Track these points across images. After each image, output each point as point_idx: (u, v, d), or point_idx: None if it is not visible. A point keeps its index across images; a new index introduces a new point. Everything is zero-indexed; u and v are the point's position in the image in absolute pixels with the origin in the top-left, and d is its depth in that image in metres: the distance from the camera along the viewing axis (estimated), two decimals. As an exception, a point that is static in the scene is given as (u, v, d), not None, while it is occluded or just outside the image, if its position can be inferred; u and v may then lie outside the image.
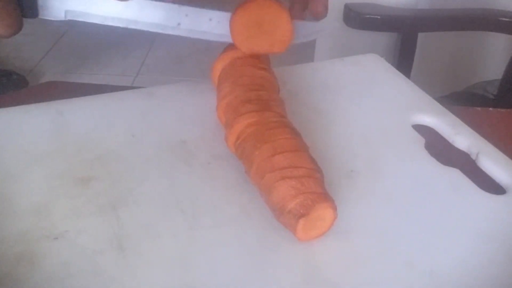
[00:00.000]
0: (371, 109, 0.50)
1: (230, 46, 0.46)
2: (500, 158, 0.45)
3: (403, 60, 0.96)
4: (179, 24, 0.45)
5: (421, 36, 0.95)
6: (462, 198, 0.40)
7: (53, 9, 0.43)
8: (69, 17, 0.44)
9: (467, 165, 0.44)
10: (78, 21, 0.43)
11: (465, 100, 1.00)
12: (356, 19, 0.90)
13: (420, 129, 0.48)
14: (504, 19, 0.91)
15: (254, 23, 0.43)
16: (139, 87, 0.54)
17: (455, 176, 0.43)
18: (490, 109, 0.57)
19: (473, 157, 0.45)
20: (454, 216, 0.39)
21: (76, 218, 0.37)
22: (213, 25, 0.46)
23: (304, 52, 0.80)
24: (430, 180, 0.42)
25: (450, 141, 0.47)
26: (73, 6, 0.43)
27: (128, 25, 0.45)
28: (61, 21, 0.44)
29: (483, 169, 0.44)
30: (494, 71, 1.04)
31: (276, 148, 0.37)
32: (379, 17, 0.90)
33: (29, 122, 0.46)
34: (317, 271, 0.34)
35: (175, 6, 0.45)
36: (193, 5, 0.46)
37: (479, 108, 0.56)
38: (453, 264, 0.35)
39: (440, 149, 0.46)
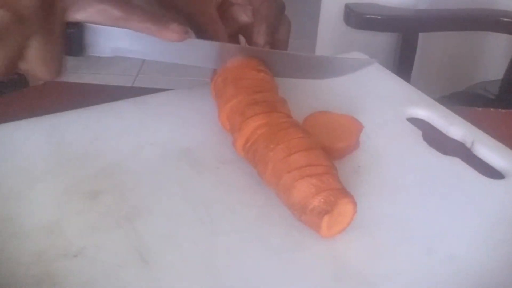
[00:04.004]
0: (365, 105, 0.51)
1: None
2: (495, 145, 0.46)
3: (404, 60, 0.96)
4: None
5: (421, 36, 0.95)
6: (466, 184, 0.42)
7: (99, 46, 0.43)
8: (115, 54, 0.45)
9: (465, 153, 0.46)
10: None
11: (465, 100, 1.00)
12: (356, 19, 0.90)
13: (415, 122, 0.49)
14: (504, 19, 0.91)
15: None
16: (140, 87, 0.54)
17: (456, 164, 0.44)
18: (491, 109, 0.57)
19: (468, 145, 0.47)
20: (462, 202, 0.40)
21: (92, 233, 0.36)
22: None
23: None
24: (434, 170, 0.43)
25: (445, 131, 0.49)
26: (119, 43, 0.44)
27: (172, 61, 0.46)
28: None
29: (480, 156, 0.46)
30: (494, 71, 1.04)
31: (291, 148, 0.37)
32: (379, 17, 0.90)
33: (23, 138, 0.44)
34: (345, 266, 0.34)
35: (222, 44, 0.46)
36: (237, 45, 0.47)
37: (479, 109, 0.56)
38: (470, 248, 0.36)
39: (437, 139, 0.47)
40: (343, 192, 0.35)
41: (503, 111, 0.56)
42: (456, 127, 0.48)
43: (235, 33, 0.51)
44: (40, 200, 0.38)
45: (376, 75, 0.57)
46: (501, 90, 0.98)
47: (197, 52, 0.46)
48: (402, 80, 0.56)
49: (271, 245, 0.35)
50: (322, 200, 0.35)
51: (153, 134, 0.45)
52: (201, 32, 0.46)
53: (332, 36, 1.06)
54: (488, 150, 0.46)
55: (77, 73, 1.94)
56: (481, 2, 0.97)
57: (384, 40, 1.02)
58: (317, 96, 0.51)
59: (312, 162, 0.36)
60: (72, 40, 0.41)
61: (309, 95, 0.51)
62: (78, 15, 0.41)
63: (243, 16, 0.50)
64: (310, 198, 0.35)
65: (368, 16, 0.90)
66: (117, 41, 0.43)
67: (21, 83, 1.87)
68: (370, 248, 0.36)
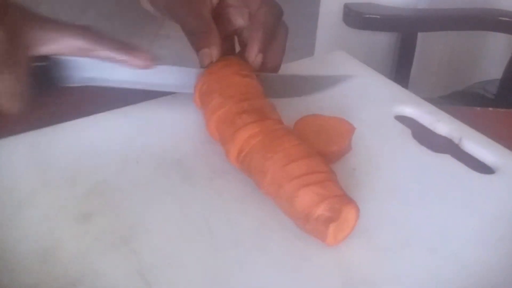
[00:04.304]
0: (352, 106, 0.50)
1: (209, 66, 0.45)
2: (483, 140, 0.47)
3: (403, 60, 0.96)
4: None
5: (420, 36, 0.95)
6: (461, 181, 0.43)
7: (71, 77, 0.44)
8: (87, 83, 0.45)
9: (454, 150, 0.46)
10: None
11: (464, 100, 1.00)
12: (356, 19, 0.90)
13: (402, 120, 0.50)
14: (504, 18, 0.91)
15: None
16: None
17: (447, 161, 0.44)
18: (490, 109, 0.57)
19: (456, 141, 0.47)
20: (458, 200, 0.41)
21: (88, 259, 0.34)
22: None
23: (303, 53, 0.80)
24: (427, 168, 0.44)
25: (432, 128, 0.49)
26: (90, 73, 0.44)
27: (145, 88, 0.46)
28: None
29: (468, 152, 0.46)
30: (493, 71, 1.04)
31: (288, 156, 0.37)
32: (379, 17, 0.90)
33: (4, 157, 0.42)
34: (352, 273, 0.34)
35: (190, 69, 0.47)
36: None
37: (478, 108, 0.56)
38: (472, 246, 0.37)
39: (426, 137, 0.47)
40: (347, 199, 0.35)
41: (502, 110, 0.56)
42: (443, 124, 0.49)
43: (230, 35, 0.50)
44: (29, 226, 0.36)
45: (360, 74, 0.56)
46: (500, 89, 0.98)
47: (170, 78, 0.46)
48: (387, 79, 0.56)
49: (275, 256, 0.35)
50: (326, 208, 0.34)
51: (140, 148, 0.44)
52: (194, 35, 0.45)
53: (331, 36, 1.06)
54: (476, 145, 0.46)
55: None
56: (480, 2, 0.97)
57: (383, 40, 1.02)
58: (302, 98, 0.50)
59: (312, 170, 0.36)
60: (42, 73, 0.41)
61: (293, 98, 0.50)
62: (46, 49, 0.41)
63: (239, 19, 0.49)
64: (314, 207, 0.34)
65: (367, 15, 0.90)
66: (88, 71, 0.44)
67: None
68: (375, 253, 0.36)
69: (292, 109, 0.45)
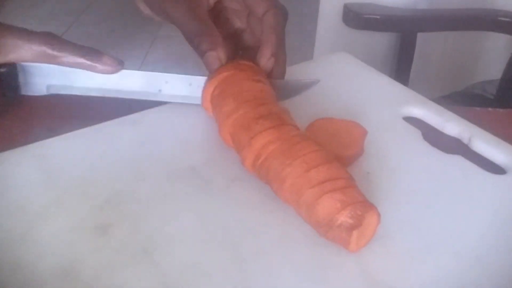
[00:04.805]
0: (360, 108, 0.50)
1: (220, 69, 0.44)
2: (492, 140, 0.46)
3: (403, 60, 0.96)
4: (160, 90, 0.47)
5: (420, 36, 0.95)
6: (475, 182, 0.42)
7: (35, 85, 0.44)
8: (51, 92, 0.45)
9: (464, 150, 0.46)
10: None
11: (464, 100, 1.00)
12: (355, 19, 0.90)
13: (410, 121, 0.49)
14: (503, 19, 0.91)
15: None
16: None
17: (459, 162, 0.44)
18: (490, 109, 0.57)
19: (465, 141, 0.47)
20: (475, 201, 0.40)
21: (110, 272, 0.33)
22: (193, 89, 0.47)
23: (303, 53, 0.80)
24: (440, 170, 0.43)
25: (440, 129, 0.49)
26: (54, 81, 0.44)
27: (110, 95, 0.46)
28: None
29: (478, 152, 0.46)
30: (493, 71, 1.04)
31: (308, 162, 0.36)
32: (378, 17, 0.90)
33: (11, 171, 0.40)
34: (376, 279, 0.34)
35: (155, 74, 0.46)
36: (173, 72, 0.47)
37: (478, 108, 0.57)
38: (494, 249, 0.36)
39: (436, 138, 0.47)
40: (369, 205, 0.35)
41: (502, 110, 0.56)
42: (452, 124, 0.48)
43: (230, 36, 0.49)
44: (47, 241, 0.35)
45: (366, 76, 0.56)
46: (500, 90, 0.98)
47: (134, 83, 0.46)
48: (392, 80, 0.56)
49: (299, 265, 0.34)
50: (348, 215, 0.34)
51: (153, 156, 0.43)
52: (196, 38, 0.44)
53: (331, 36, 1.06)
54: (486, 145, 0.46)
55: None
56: (480, 2, 0.97)
57: (383, 40, 1.02)
58: (311, 102, 0.49)
59: (332, 176, 0.35)
60: (5, 80, 0.41)
61: (301, 102, 0.49)
62: (9, 57, 0.41)
63: (237, 21, 0.49)
64: (336, 214, 0.34)
65: (367, 16, 0.90)
66: (52, 78, 0.44)
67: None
68: (397, 258, 0.35)
69: (299, 113, 0.44)
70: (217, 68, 0.44)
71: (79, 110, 0.50)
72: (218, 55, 0.44)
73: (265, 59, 0.45)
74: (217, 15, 0.49)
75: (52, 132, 0.45)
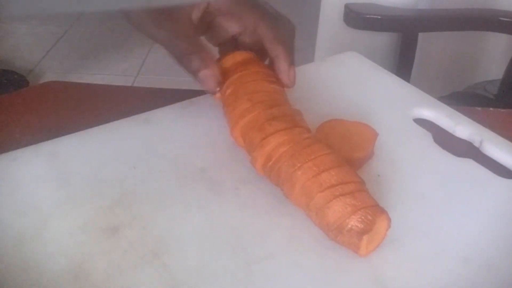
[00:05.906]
0: (370, 109, 0.49)
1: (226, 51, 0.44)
2: (504, 143, 0.46)
3: (404, 60, 0.95)
4: None
5: (421, 36, 0.95)
6: (486, 186, 0.42)
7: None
8: (28, 11, 0.43)
9: (475, 153, 0.45)
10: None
11: (465, 100, 1.00)
12: (356, 19, 0.90)
13: (420, 123, 0.49)
14: (504, 19, 0.91)
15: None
16: (140, 87, 0.53)
17: (470, 166, 0.44)
18: (491, 109, 0.56)
19: (477, 144, 0.46)
20: (485, 206, 0.40)
21: (120, 274, 0.33)
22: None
23: (304, 53, 0.80)
24: (451, 174, 0.43)
25: (451, 131, 0.48)
26: None
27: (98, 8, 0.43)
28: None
29: (489, 155, 0.45)
30: (494, 71, 1.04)
31: (319, 165, 0.36)
32: (379, 17, 0.90)
33: (21, 170, 0.40)
34: (385, 283, 0.34)
35: None
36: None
37: (479, 108, 0.56)
38: (504, 254, 0.36)
39: (447, 140, 0.47)
40: (379, 209, 0.34)
41: (503, 110, 0.56)
42: (463, 127, 0.48)
43: (226, 41, 0.48)
44: (56, 242, 0.35)
45: (376, 76, 0.56)
46: (501, 90, 0.98)
47: None
48: (402, 81, 0.55)
49: (309, 269, 0.34)
50: (359, 219, 0.34)
51: (163, 156, 0.42)
52: (183, 56, 0.42)
53: (332, 36, 1.06)
54: (498, 149, 0.45)
55: (77, 73, 1.94)
56: (481, 2, 0.97)
57: (384, 40, 1.02)
58: (321, 102, 0.49)
59: (343, 180, 0.35)
60: None
61: (312, 102, 0.49)
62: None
63: (233, 26, 0.47)
64: (346, 218, 0.34)
65: (367, 16, 0.90)
66: None
67: (21, 83, 1.87)
68: (407, 262, 0.35)
69: (309, 113, 0.43)
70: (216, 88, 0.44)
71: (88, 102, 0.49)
72: (212, 72, 0.43)
73: (286, 75, 0.44)
74: (209, 24, 0.47)
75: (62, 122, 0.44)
